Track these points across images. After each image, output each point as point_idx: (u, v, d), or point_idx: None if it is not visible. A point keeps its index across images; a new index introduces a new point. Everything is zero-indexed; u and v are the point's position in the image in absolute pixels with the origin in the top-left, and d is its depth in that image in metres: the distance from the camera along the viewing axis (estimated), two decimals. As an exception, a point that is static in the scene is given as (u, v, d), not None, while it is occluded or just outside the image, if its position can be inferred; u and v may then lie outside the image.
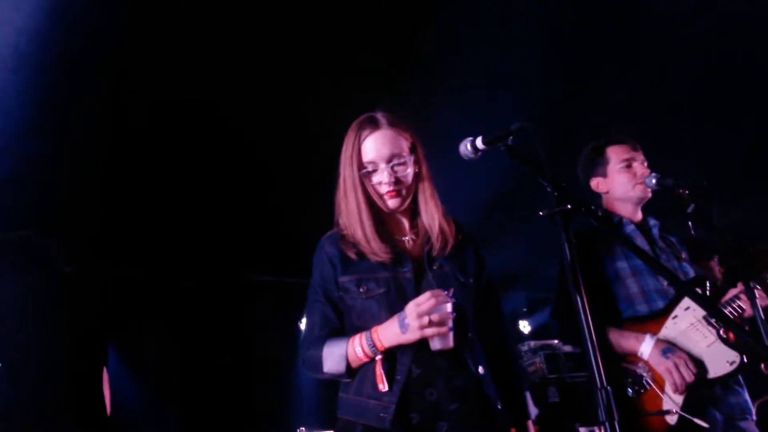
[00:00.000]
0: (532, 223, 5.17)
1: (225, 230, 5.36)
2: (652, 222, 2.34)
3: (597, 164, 2.38)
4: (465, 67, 3.80)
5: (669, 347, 2.01)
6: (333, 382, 1.69)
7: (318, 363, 1.61)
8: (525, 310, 7.10)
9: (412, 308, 1.49)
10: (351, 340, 1.58)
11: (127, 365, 5.15)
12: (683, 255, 2.25)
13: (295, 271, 6.02)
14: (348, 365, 1.58)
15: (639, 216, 2.33)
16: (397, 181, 1.68)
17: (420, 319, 1.47)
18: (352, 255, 1.69)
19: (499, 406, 1.62)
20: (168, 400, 5.12)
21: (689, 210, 1.92)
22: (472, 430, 1.53)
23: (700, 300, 1.98)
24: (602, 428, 1.06)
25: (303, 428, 4.31)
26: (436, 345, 1.51)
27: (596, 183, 2.39)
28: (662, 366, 1.97)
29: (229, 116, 4.04)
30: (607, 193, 2.36)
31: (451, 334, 1.51)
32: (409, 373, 1.55)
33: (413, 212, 1.77)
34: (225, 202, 5.00)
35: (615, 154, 2.34)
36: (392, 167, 1.69)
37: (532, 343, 5.68)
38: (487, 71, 3.82)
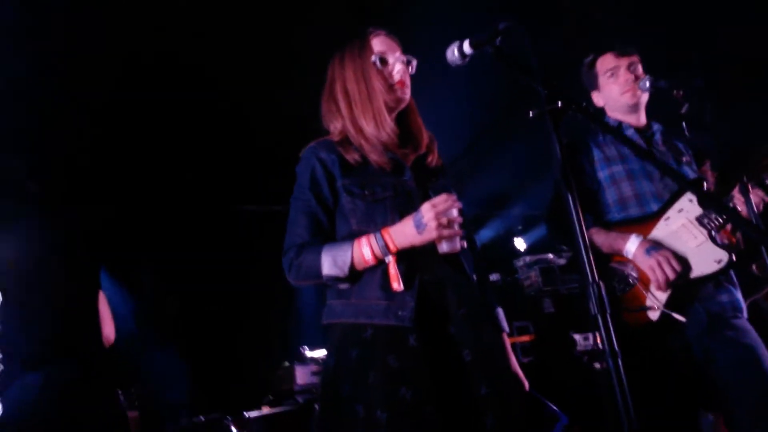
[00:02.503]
0: (526, 142, 5.16)
1: (216, 162, 5.32)
2: (656, 127, 2.31)
3: (591, 78, 2.37)
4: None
5: (653, 246, 2.04)
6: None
7: (315, 267, 1.55)
8: (520, 227, 7.19)
9: (429, 208, 1.48)
10: (357, 241, 1.54)
11: (125, 296, 5.23)
12: (685, 159, 2.24)
13: (288, 199, 6.05)
14: (352, 268, 1.53)
15: (642, 121, 2.30)
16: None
17: (437, 218, 1.47)
18: (352, 160, 1.65)
19: (489, 310, 1.67)
20: (168, 329, 5.24)
21: (683, 111, 1.89)
22: (477, 335, 1.54)
23: (698, 193, 1.98)
24: (596, 321, 1.08)
25: (306, 346, 4.45)
26: (444, 248, 1.51)
27: (595, 97, 2.38)
28: (646, 264, 2.01)
29: (212, 44, 3.90)
30: (605, 105, 2.35)
31: (458, 238, 1.52)
32: (421, 276, 1.55)
33: (400, 122, 1.74)
34: (215, 134, 4.93)
35: (601, 65, 2.32)
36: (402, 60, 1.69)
37: (528, 258, 5.79)
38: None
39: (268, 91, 4.51)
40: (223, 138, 5.03)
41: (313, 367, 4.22)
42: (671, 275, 1.96)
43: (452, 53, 1.52)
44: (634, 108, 2.27)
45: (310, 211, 1.64)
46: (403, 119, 1.75)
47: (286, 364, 4.35)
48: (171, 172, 5.31)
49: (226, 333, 5.49)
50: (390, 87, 1.67)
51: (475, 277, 1.67)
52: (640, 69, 2.27)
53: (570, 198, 1.14)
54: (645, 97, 2.26)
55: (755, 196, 1.88)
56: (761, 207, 1.97)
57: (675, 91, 2.06)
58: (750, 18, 3.99)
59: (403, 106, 1.72)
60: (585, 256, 1.09)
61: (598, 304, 1.06)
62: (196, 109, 4.59)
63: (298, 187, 1.70)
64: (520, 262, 5.94)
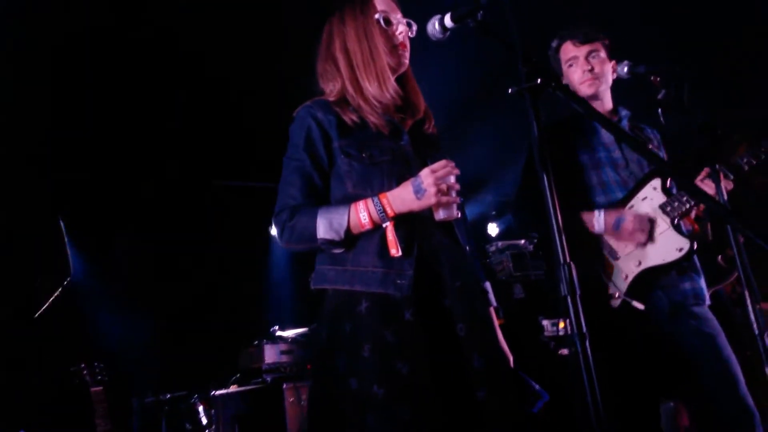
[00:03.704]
0: (501, 126, 5.15)
1: (191, 137, 5.21)
2: (624, 113, 2.32)
3: (556, 64, 2.36)
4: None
5: (620, 217, 2.07)
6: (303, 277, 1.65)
7: (310, 230, 1.50)
8: (494, 213, 7.21)
9: (428, 173, 1.46)
10: (354, 205, 1.49)
11: (98, 272, 5.13)
12: (653, 145, 2.25)
13: (263, 175, 5.98)
14: (348, 232, 1.48)
15: (606, 107, 2.30)
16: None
17: (437, 184, 1.45)
18: (350, 121, 1.60)
19: (483, 285, 1.67)
20: (142, 305, 5.16)
21: (659, 96, 1.88)
22: (471, 309, 1.53)
23: (670, 172, 2.00)
24: (566, 302, 1.07)
25: (277, 327, 4.41)
26: (441, 215, 1.49)
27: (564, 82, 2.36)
28: (623, 232, 2.06)
29: (192, 20, 3.79)
30: None
31: (455, 205, 1.51)
32: (419, 243, 1.52)
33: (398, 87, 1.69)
34: (191, 108, 4.83)
35: (563, 54, 2.32)
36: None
37: (500, 244, 5.81)
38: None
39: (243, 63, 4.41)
40: (198, 113, 4.93)
41: (282, 346, 4.19)
42: (644, 237, 2.02)
43: (433, 26, 1.48)
44: (593, 97, 2.25)
45: (304, 171, 1.58)
46: (401, 84, 1.69)
47: (255, 342, 4.31)
48: (146, 146, 5.19)
49: (197, 310, 5.42)
50: (393, 48, 1.63)
51: (467, 247, 1.65)
52: (602, 55, 2.25)
53: (545, 177, 1.12)
54: (606, 85, 2.25)
55: (726, 183, 1.90)
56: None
57: (652, 77, 2.06)
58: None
59: (402, 69, 1.68)
60: (557, 237, 1.08)
61: (568, 285, 1.05)
62: (172, 81, 4.48)
63: (291, 146, 1.64)
64: (492, 248, 5.97)
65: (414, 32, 1.68)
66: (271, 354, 4.13)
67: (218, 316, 5.45)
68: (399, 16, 1.68)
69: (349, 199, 1.53)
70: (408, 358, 1.42)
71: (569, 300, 1.05)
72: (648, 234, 2.03)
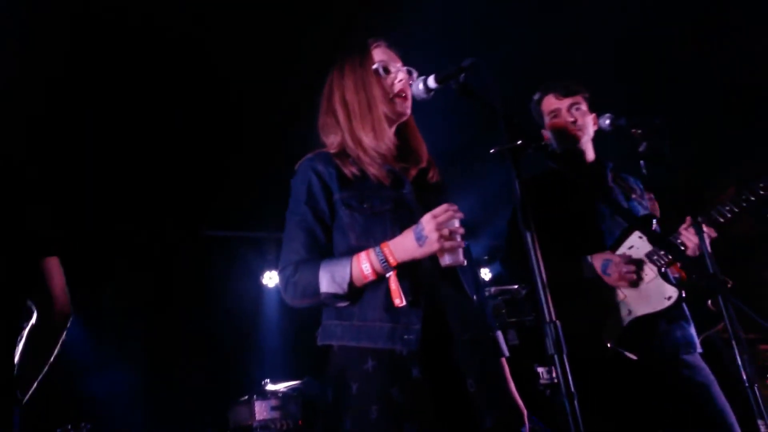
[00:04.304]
0: (491, 173, 5.22)
1: (182, 185, 5.23)
2: (607, 163, 2.35)
3: (539, 116, 2.41)
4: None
5: (607, 260, 2.09)
6: (300, 332, 1.63)
7: (314, 285, 1.47)
8: (486, 258, 7.21)
9: (429, 219, 1.43)
10: (356, 257, 1.47)
11: (86, 324, 5.05)
12: (636, 194, 2.28)
13: (255, 225, 5.99)
14: (351, 284, 1.46)
15: (590, 157, 2.34)
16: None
17: (439, 230, 1.41)
18: (350, 173, 1.59)
19: (491, 334, 1.62)
20: (129, 357, 5.07)
21: (641, 149, 1.92)
22: (481, 363, 1.50)
23: (648, 233, 2.03)
24: (553, 361, 1.07)
25: (267, 380, 4.33)
26: (446, 260, 1.45)
27: (545, 134, 2.40)
28: (611, 278, 2.08)
29: (184, 71, 3.87)
30: (553, 142, 2.37)
31: (461, 250, 1.46)
32: (426, 294, 1.48)
33: (400, 137, 1.70)
34: (182, 157, 4.86)
35: (545, 106, 2.37)
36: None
37: (493, 289, 5.78)
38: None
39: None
40: (190, 162, 4.97)
41: (273, 401, 4.10)
42: (631, 276, 2.04)
43: (417, 87, 1.55)
44: (576, 149, 2.29)
45: (306, 226, 1.57)
46: (402, 133, 1.71)
47: (245, 397, 4.21)
48: (137, 195, 5.20)
49: (186, 363, 5.33)
50: (390, 97, 1.63)
51: (475, 297, 1.61)
52: (583, 108, 2.31)
53: (528, 236, 1.14)
54: (587, 137, 2.30)
55: (709, 232, 1.92)
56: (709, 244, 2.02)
57: (633, 130, 2.11)
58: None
59: (403, 119, 1.68)
60: (543, 295, 1.09)
61: (554, 344, 1.05)
62: (165, 130, 4.52)
63: (293, 200, 1.64)
64: (485, 293, 5.94)
65: (415, 79, 1.64)
66: (261, 410, 4.03)
67: (207, 368, 5.36)
68: (399, 65, 1.68)
69: (352, 251, 1.50)
70: (416, 419, 1.38)
71: (556, 359, 1.05)
72: (636, 275, 2.04)
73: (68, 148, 4.41)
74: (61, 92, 3.85)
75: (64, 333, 1.88)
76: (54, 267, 1.85)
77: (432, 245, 1.42)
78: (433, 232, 1.41)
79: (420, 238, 1.43)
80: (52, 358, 1.86)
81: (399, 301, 1.42)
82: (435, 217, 1.43)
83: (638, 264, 2.07)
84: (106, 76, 3.81)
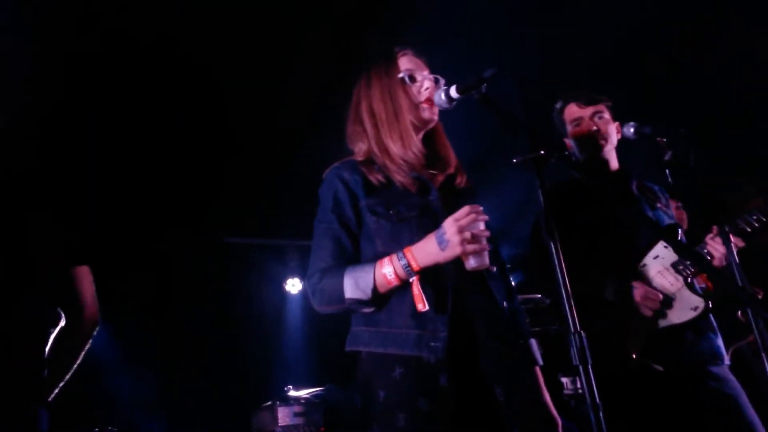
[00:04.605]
0: (512, 181, 5.19)
1: (204, 194, 5.30)
2: (631, 171, 2.32)
3: (561, 125, 2.40)
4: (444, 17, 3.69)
5: (630, 287, 2.04)
6: (321, 340, 1.65)
7: (338, 291, 1.48)
8: (508, 266, 7.16)
9: (451, 223, 1.41)
10: (379, 262, 1.47)
11: (112, 331, 5.13)
12: (661, 203, 2.26)
13: (277, 233, 6.05)
14: (375, 290, 1.45)
15: (614, 166, 2.32)
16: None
17: (461, 233, 1.39)
18: (375, 181, 1.60)
19: (521, 342, 1.61)
20: (153, 363, 5.14)
21: (666, 158, 1.91)
22: (510, 371, 1.48)
23: (673, 243, 2.00)
24: (578, 372, 1.07)
25: (290, 386, 4.35)
26: (471, 264, 1.42)
27: (567, 142, 2.39)
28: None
29: (204, 77, 3.92)
30: (576, 151, 2.35)
31: (486, 253, 1.43)
32: (453, 302, 1.46)
33: (427, 144, 1.71)
34: (205, 166, 4.93)
35: (568, 115, 2.35)
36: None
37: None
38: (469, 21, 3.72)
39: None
40: (211, 169, 5.03)
41: (296, 407, 4.12)
42: (655, 305, 2.00)
43: (439, 97, 1.56)
44: (599, 158, 2.27)
45: (333, 233, 1.58)
46: (430, 140, 1.71)
47: (269, 403, 4.24)
48: (161, 205, 5.29)
49: (210, 370, 5.38)
50: (416, 106, 1.64)
51: (506, 304, 1.59)
52: (606, 116, 2.29)
53: (552, 246, 1.14)
54: (611, 146, 2.27)
55: (736, 241, 1.89)
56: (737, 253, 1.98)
57: (658, 138, 2.09)
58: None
59: (431, 126, 1.69)
60: (567, 306, 1.08)
61: (579, 354, 1.05)
62: (188, 141, 4.59)
63: (321, 209, 1.65)
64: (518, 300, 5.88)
65: (442, 87, 1.63)
66: (284, 416, 4.06)
67: (231, 374, 5.40)
68: (425, 72, 1.69)
69: (378, 257, 1.50)
70: (443, 428, 1.37)
71: (581, 369, 1.04)
72: (660, 303, 2.01)
73: (86, 159, 4.49)
74: (67, 99, 3.88)
75: (91, 340, 1.93)
76: (84, 275, 1.90)
77: (454, 249, 1.40)
78: (455, 236, 1.40)
79: (442, 242, 1.42)
80: (76, 364, 1.91)
81: (422, 306, 1.41)
82: (457, 220, 1.41)
83: (662, 290, 2.04)
84: (119, 84, 3.87)
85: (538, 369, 1.63)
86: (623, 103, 2.40)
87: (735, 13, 3.75)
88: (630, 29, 3.74)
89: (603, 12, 3.62)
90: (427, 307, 1.42)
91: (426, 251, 1.44)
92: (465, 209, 1.43)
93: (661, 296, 2.01)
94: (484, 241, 1.43)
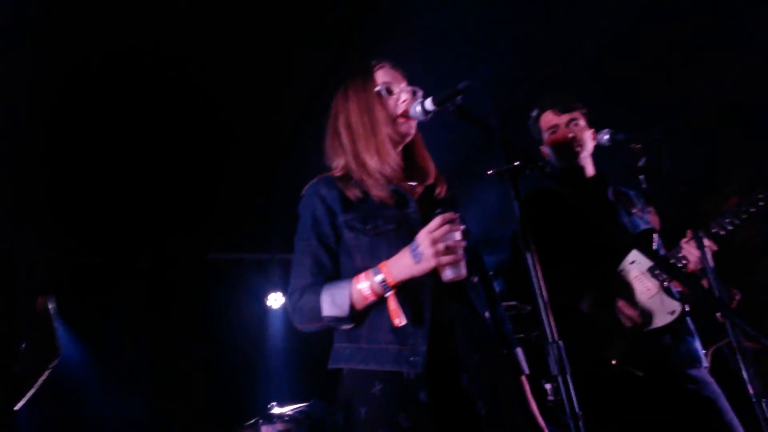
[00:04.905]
0: (490, 189, 5.22)
1: (185, 209, 5.25)
2: (606, 177, 2.36)
3: (537, 132, 2.42)
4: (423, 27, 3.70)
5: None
6: (306, 354, 1.63)
7: (315, 308, 1.47)
8: (491, 274, 7.18)
9: (424, 235, 1.40)
10: (355, 278, 1.46)
11: (90, 349, 5.05)
12: (636, 209, 2.28)
13: (258, 247, 6.00)
14: (352, 307, 1.44)
15: (590, 172, 2.35)
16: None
17: (434, 245, 1.38)
18: (353, 196, 1.59)
19: (505, 352, 1.59)
20: (134, 382, 5.05)
21: (640, 164, 1.93)
22: (492, 384, 1.46)
23: (645, 250, 2.02)
24: (557, 381, 1.07)
25: (274, 403, 4.29)
26: (448, 275, 1.40)
27: (544, 150, 2.42)
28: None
29: (188, 92, 3.90)
30: (552, 159, 2.39)
31: (463, 263, 1.42)
32: (432, 315, 1.44)
33: (406, 156, 1.70)
34: (185, 180, 4.88)
35: (544, 123, 2.38)
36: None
37: (497, 306, 5.77)
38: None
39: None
40: (192, 185, 4.99)
41: (280, 425, 4.06)
42: (636, 318, 2.01)
43: (415, 110, 1.56)
44: (575, 165, 2.31)
45: (311, 251, 1.58)
46: (409, 151, 1.71)
47: (251, 421, 4.17)
48: (141, 219, 5.23)
49: (192, 386, 5.31)
50: (393, 119, 1.63)
51: (488, 313, 1.57)
52: (582, 123, 2.32)
53: (529, 256, 1.14)
54: (586, 152, 2.31)
55: (710, 245, 1.92)
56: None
57: (632, 145, 2.12)
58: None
59: (408, 139, 1.68)
60: (545, 315, 1.09)
61: (558, 364, 1.05)
62: (168, 154, 4.55)
63: (300, 226, 1.65)
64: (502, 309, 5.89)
65: (420, 98, 1.62)
66: (268, 436, 3.98)
67: (213, 392, 5.33)
68: (403, 85, 1.69)
69: (358, 273, 1.49)
70: None
71: (560, 380, 1.04)
72: (638, 316, 2.04)
73: (69, 170, 4.44)
74: (52, 110, 3.86)
75: None
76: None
77: (429, 261, 1.39)
78: (428, 248, 1.38)
79: (416, 256, 1.40)
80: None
81: (399, 320, 1.40)
82: (430, 232, 1.40)
83: (641, 292, 2.06)
84: (109, 101, 3.84)
85: (524, 378, 1.62)
86: (599, 110, 2.43)
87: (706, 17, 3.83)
88: (609, 36, 3.80)
89: (580, 22, 3.68)
90: (404, 322, 1.41)
91: (401, 265, 1.43)
92: (437, 220, 1.41)
93: (638, 312, 2.03)
94: (461, 252, 1.42)
